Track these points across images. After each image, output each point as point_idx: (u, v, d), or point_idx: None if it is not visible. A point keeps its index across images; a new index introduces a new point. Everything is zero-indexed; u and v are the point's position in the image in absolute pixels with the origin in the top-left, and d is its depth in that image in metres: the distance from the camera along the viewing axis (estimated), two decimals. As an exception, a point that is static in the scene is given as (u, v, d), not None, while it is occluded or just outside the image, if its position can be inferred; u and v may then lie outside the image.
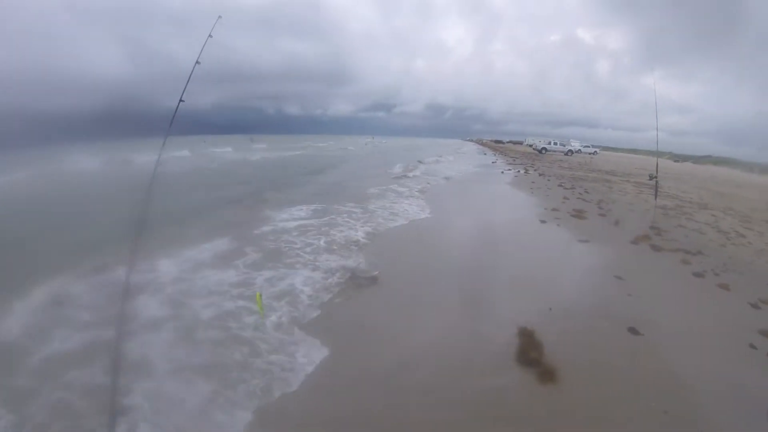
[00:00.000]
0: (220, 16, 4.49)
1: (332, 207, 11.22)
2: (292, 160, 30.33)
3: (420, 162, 30.35)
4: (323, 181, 17.93)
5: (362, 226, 9.25)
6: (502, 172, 24.65)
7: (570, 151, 58.54)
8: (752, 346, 4.46)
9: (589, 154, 60.42)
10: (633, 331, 4.72)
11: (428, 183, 18.14)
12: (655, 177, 11.86)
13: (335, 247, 7.61)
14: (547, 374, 3.74)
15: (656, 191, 12.07)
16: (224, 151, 37.58)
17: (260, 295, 3.53)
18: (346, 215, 10.35)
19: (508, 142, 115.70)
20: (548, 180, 20.84)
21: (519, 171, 25.92)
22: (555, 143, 60.71)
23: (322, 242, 7.86)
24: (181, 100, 3.74)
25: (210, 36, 4.18)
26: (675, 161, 54.13)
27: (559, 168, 29.86)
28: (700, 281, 6.71)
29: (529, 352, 4.04)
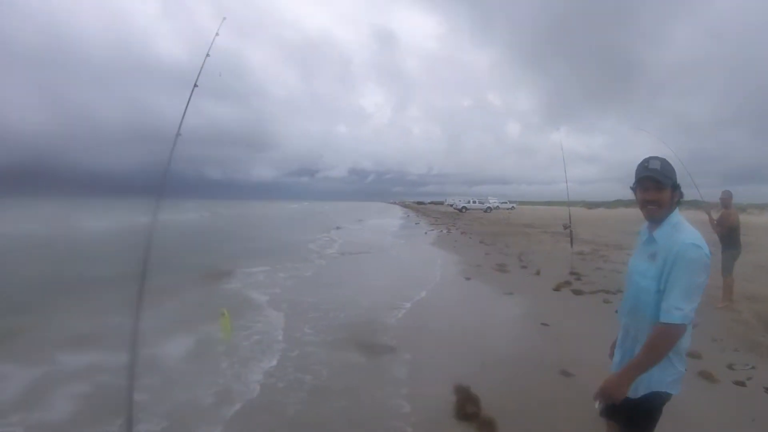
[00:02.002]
0: (224, 18, 3.56)
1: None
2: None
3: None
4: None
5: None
6: (426, 233, 25.21)
7: (489, 208, 61.31)
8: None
9: (507, 209, 63.50)
10: (564, 373, 4.82)
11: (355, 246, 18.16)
12: (569, 226, 12.61)
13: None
14: (486, 426, 3.69)
15: (572, 239, 12.77)
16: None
17: (227, 314, 3.06)
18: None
19: (429, 203, 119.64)
20: (470, 237, 21.56)
21: (442, 231, 26.65)
22: (474, 201, 63.40)
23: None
24: (178, 134, 2.97)
25: (208, 55, 3.22)
26: (588, 208, 57.71)
27: (480, 225, 31.08)
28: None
29: (467, 406, 3.99)
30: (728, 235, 7.63)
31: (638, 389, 2.09)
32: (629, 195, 2.32)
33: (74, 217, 37.87)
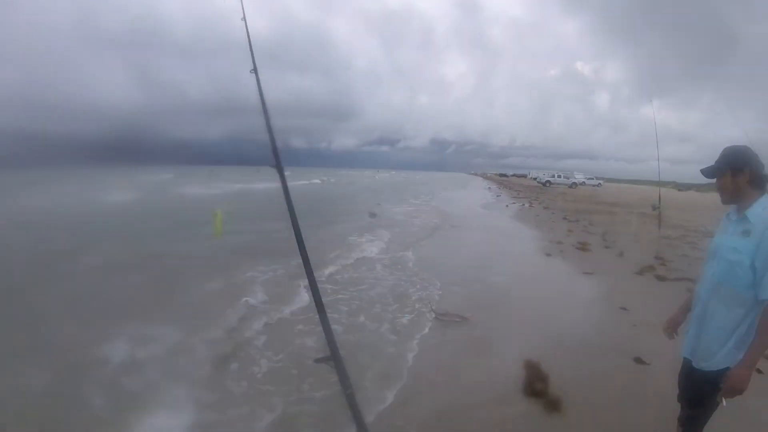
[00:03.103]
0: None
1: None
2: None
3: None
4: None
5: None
6: (507, 206, 24.83)
7: (574, 183, 58.80)
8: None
9: (593, 186, 60.61)
10: (639, 360, 4.75)
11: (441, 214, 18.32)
12: (658, 207, 11.93)
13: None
14: (552, 404, 3.78)
15: (659, 221, 12.12)
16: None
17: (219, 214, 3.37)
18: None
19: (512, 176, 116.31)
20: (553, 213, 20.99)
21: (523, 204, 26.12)
22: (559, 176, 61.02)
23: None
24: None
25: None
26: (679, 190, 53.90)
27: (564, 201, 30.03)
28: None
29: (535, 383, 4.08)
30: None
31: (719, 362, 2.22)
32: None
33: (179, 184, 40.98)
